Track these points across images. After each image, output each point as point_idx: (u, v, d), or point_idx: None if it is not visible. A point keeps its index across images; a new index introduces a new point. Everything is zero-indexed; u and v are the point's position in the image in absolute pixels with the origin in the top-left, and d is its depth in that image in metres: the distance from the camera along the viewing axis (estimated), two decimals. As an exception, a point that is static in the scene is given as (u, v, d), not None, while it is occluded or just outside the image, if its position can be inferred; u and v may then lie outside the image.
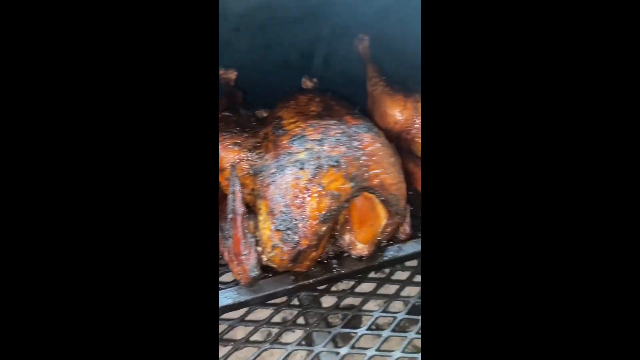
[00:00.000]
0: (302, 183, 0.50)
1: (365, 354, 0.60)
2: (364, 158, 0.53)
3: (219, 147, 0.55)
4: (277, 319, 0.61)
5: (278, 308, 0.62)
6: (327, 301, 0.66)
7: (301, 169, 0.50)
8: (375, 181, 0.54)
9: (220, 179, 0.57)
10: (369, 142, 0.55)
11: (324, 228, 0.51)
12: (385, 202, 0.56)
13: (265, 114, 0.69)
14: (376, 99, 0.75)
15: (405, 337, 0.62)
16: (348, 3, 0.82)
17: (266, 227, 0.52)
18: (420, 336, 0.62)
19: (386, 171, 0.55)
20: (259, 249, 0.53)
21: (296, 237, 0.50)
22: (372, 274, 0.70)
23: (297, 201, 0.50)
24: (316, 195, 0.50)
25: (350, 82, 0.84)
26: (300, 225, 0.50)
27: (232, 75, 0.75)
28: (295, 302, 0.65)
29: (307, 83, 0.83)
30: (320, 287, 0.65)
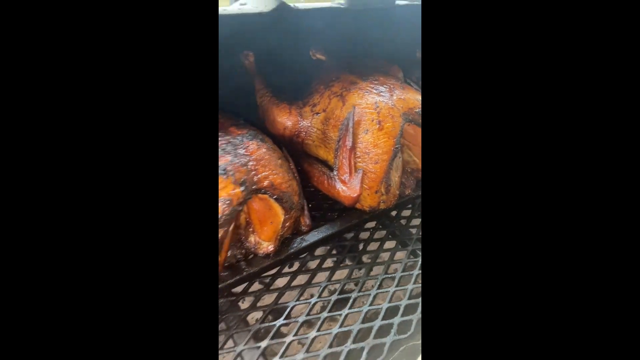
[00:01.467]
0: (193, 194, 0.53)
1: (284, 341, 0.65)
2: (251, 163, 0.59)
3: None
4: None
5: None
6: (246, 303, 0.70)
7: (190, 181, 0.54)
8: (266, 182, 0.60)
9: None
10: (255, 149, 0.61)
11: (221, 233, 0.55)
12: (279, 200, 0.62)
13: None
14: (265, 109, 0.82)
15: (319, 317, 0.69)
16: (229, 22, 0.87)
17: (165, 242, 0.54)
18: (333, 314, 0.69)
19: (274, 172, 0.61)
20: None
21: (195, 245, 0.53)
22: (285, 269, 0.76)
23: (191, 212, 0.53)
24: (209, 203, 0.54)
25: (245, 95, 0.89)
26: (197, 233, 0.53)
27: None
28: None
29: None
30: (236, 291, 0.69)
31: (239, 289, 0.70)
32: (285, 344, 0.64)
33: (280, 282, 0.75)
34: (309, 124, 0.78)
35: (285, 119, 0.79)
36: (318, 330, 0.66)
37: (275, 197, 0.62)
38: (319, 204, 0.85)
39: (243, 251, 0.65)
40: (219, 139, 0.59)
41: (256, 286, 0.72)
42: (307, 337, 0.66)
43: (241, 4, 0.73)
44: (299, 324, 0.67)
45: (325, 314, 0.70)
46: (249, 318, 0.69)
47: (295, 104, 0.80)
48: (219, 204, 0.54)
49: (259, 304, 0.70)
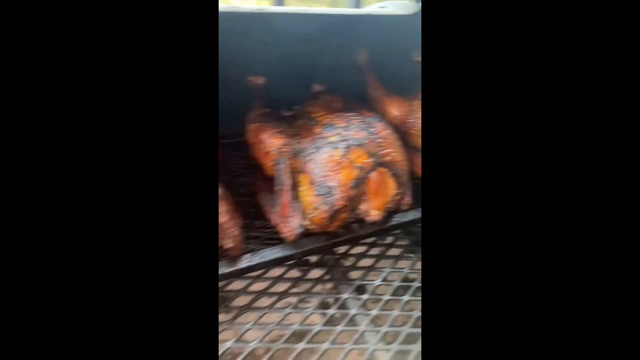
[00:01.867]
0: (335, 158, 0.65)
1: (381, 299, 0.75)
2: (379, 140, 0.70)
3: (266, 135, 0.70)
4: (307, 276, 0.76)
5: (309, 268, 0.76)
6: (347, 262, 0.81)
7: (334, 148, 0.66)
8: (388, 158, 0.71)
9: (266, 161, 0.71)
10: (382, 129, 0.72)
11: (353, 193, 0.67)
12: (395, 176, 0.73)
13: (289, 113, 0.85)
14: (377, 100, 0.93)
15: (411, 285, 0.78)
16: (348, 25, 1.00)
17: (307, 195, 0.66)
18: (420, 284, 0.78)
19: (395, 151, 0.71)
20: (301, 213, 0.68)
21: (333, 199, 0.65)
22: (380, 241, 0.86)
23: (333, 172, 0.65)
24: (346, 167, 0.66)
25: (352, 87, 1.01)
26: (336, 190, 0.65)
27: (261, 80, 0.90)
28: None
29: (317, 88, 0.99)
30: (341, 252, 0.80)
31: (343, 248, 0.81)
32: (383, 301, 0.74)
33: (375, 250, 0.85)
34: (417, 116, 0.88)
35: (394, 110, 0.89)
36: (412, 295, 0.75)
37: (393, 172, 0.72)
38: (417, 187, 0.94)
39: (354, 215, 0.76)
40: (355, 117, 0.71)
41: (357, 250, 0.83)
42: (402, 299, 0.75)
43: (380, 6, 0.84)
44: (394, 287, 0.77)
45: (416, 284, 0.78)
46: (351, 274, 0.80)
47: (405, 98, 0.90)
48: (354, 169, 0.66)
49: (358, 265, 0.81)
